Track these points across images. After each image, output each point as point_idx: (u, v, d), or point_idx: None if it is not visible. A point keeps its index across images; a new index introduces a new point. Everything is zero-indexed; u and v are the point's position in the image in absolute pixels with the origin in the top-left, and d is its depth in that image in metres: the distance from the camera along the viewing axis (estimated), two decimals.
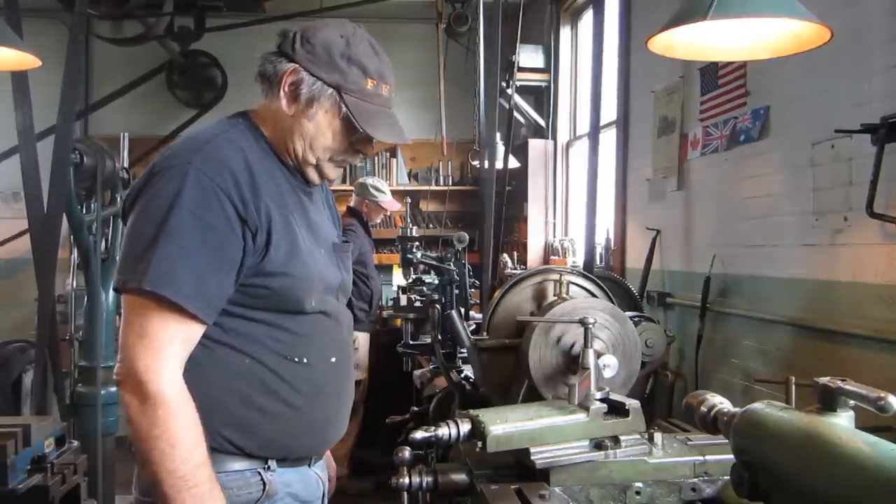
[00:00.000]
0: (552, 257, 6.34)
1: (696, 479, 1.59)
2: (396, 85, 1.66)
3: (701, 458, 1.60)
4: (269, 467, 1.56)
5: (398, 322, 4.10)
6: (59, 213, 3.49)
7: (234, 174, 1.49)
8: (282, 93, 1.58)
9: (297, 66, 1.57)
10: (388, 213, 5.83)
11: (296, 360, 1.57)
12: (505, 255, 6.18)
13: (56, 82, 3.54)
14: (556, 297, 1.97)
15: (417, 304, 4.04)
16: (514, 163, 6.05)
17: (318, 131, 1.60)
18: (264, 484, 1.54)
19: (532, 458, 1.53)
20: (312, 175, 1.66)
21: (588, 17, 6.28)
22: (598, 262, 4.95)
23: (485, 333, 2.01)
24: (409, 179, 7.77)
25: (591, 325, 1.67)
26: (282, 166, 1.63)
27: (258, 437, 1.54)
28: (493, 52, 4.62)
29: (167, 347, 1.41)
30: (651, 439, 1.64)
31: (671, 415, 3.70)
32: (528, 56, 6.42)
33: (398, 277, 6.43)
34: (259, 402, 1.53)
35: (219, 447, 1.49)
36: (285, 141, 1.62)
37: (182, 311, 1.41)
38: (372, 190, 5.20)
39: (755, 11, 1.97)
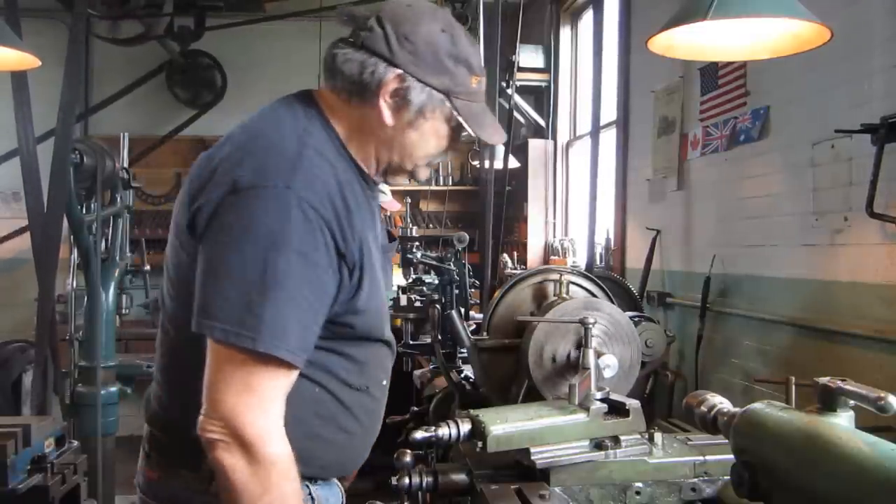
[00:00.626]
0: (552, 257, 6.34)
1: (696, 479, 1.59)
2: None
3: (701, 458, 1.61)
4: (315, 480, 1.52)
5: (398, 322, 4.10)
6: (59, 213, 3.49)
7: (332, 201, 1.33)
8: (383, 102, 1.39)
9: (402, 72, 1.37)
10: (389, 214, 5.83)
11: (358, 388, 1.50)
12: (505, 255, 6.18)
13: (56, 82, 3.53)
14: (556, 297, 1.97)
15: (417, 304, 4.04)
16: (514, 163, 6.04)
17: (423, 139, 1.45)
18: (312, 499, 1.50)
19: (532, 458, 1.53)
20: (401, 179, 1.55)
21: (588, 17, 6.28)
22: (598, 262, 4.96)
23: (485, 333, 2.01)
24: (409, 179, 7.74)
25: (590, 326, 1.68)
26: (357, 173, 1.46)
27: (315, 463, 1.49)
28: (493, 52, 4.62)
29: (274, 403, 1.30)
30: (651, 439, 1.64)
31: (671, 415, 3.70)
32: (528, 56, 6.42)
33: (398, 277, 6.43)
34: (321, 430, 1.48)
35: None
36: (376, 150, 1.46)
37: (288, 364, 1.30)
38: None
39: (755, 11, 1.98)
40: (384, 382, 1.59)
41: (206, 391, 1.29)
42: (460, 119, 1.43)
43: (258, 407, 1.27)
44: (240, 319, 1.25)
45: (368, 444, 1.60)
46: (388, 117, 1.40)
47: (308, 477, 1.49)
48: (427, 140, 1.45)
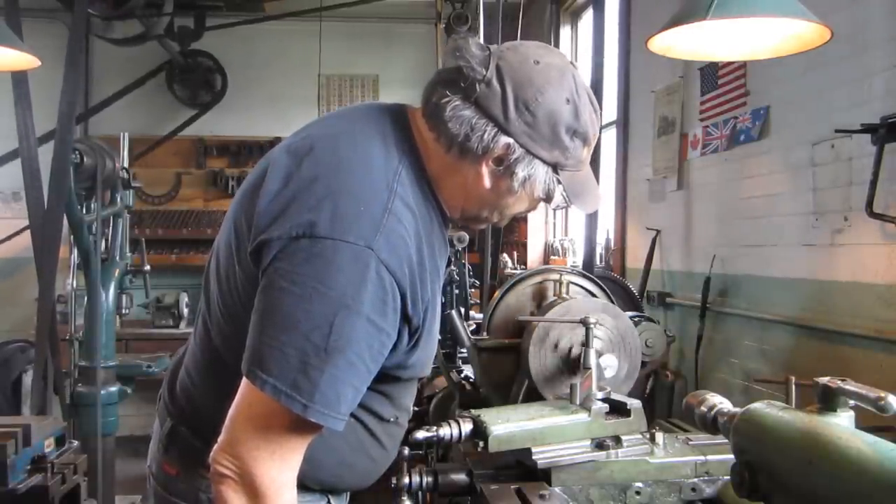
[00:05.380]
0: (552, 257, 6.34)
1: (696, 479, 1.59)
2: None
3: (702, 457, 1.61)
4: (333, 493, 1.53)
5: None
6: (59, 213, 3.49)
7: (410, 263, 1.25)
8: (485, 167, 1.30)
9: (512, 141, 1.27)
10: None
11: (391, 420, 1.49)
12: (505, 255, 6.18)
13: (56, 82, 3.53)
14: (556, 297, 1.97)
15: None
16: None
17: (517, 203, 1.37)
18: None
19: (534, 457, 1.53)
20: (481, 226, 1.50)
21: (588, 17, 6.28)
22: (598, 262, 4.96)
23: (485, 333, 2.01)
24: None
25: (592, 326, 1.68)
26: (439, 214, 1.38)
27: (339, 486, 1.52)
28: None
29: (297, 453, 1.26)
30: (652, 439, 1.64)
31: (671, 415, 3.71)
32: None
33: None
34: (350, 457, 1.47)
35: (299, 485, 1.35)
36: (464, 201, 1.38)
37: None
38: None
39: (755, 11, 1.98)
40: (411, 407, 1.59)
41: (230, 423, 1.23)
42: (562, 192, 1.34)
43: (280, 459, 1.23)
44: (294, 382, 1.18)
45: (388, 464, 1.60)
46: (486, 182, 1.32)
47: (328, 491, 1.50)
48: (521, 203, 1.38)
